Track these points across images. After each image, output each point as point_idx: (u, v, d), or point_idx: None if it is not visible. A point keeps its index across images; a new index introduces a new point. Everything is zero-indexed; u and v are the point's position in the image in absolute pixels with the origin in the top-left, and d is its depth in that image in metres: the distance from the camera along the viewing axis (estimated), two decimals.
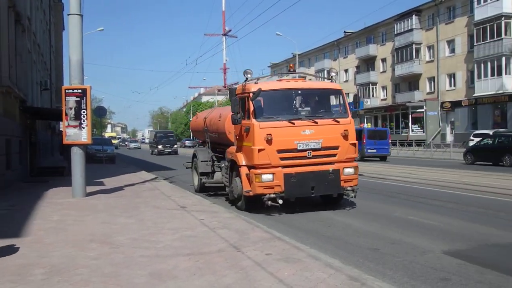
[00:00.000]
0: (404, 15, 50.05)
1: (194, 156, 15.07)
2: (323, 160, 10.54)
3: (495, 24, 38.89)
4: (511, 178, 17.30)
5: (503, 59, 38.52)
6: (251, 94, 10.42)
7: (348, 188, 10.69)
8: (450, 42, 45.31)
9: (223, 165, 12.59)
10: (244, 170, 10.58)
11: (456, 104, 44.28)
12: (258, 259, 6.36)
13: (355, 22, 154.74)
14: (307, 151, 10.38)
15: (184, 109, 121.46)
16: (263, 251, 6.79)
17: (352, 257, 6.97)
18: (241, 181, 10.70)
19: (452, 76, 45.41)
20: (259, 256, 6.49)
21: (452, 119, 45.50)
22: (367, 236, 8.36)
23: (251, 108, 10.40)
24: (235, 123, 10.80)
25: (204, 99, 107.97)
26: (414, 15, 48.75)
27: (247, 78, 10.88)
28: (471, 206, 11.31)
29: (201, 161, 14.29)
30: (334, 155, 10.59)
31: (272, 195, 10.15)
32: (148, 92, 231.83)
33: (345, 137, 10.62)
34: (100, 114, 27.80)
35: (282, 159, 10.26)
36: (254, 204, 10.76)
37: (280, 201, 10.17)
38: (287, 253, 6.68)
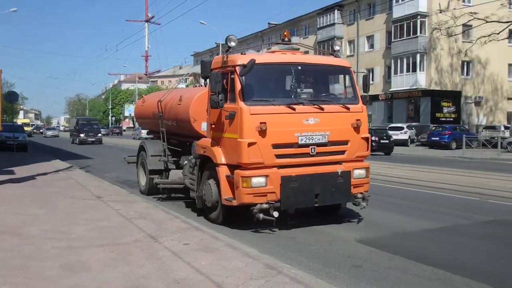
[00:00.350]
0: (327, 10, 51.16)
1: (142, 149, 12.13)
2: (329, 158, 8.24)
3: (411, 22, 40.76)
4: (428, 171, 18.39)
5: (418, 56, 40.51)
6: (238, 68, 7.80)
7: (358, 195, 8.45)
8: (370, 38, 46.96)
9: (185, 161, 10.05)
10: (223, 171, 8.02)
11: (373, 98, 45.90)
12: (175, 249, 6.30)
13: (279, 14, 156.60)
14: (311, 147, 8.00)
15: (103, 96, 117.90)
16: (181, 241, 6.73)
17: (269, 246, 7.06)
18: (218, 186, 8.15)
19: (371, 71, 47.06)
20: (176, 246, 6.44)
21: (370, 113, 47.21)
22: (285, 226, 8.49)
23: (238, 87, 7.74)
24: (215, 107, 7.91)
25: (124, 86, 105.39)
26: (336, 10, 49.94)
27: (230, 47, 8.18)
28: (396, 198, 11.69)
29: (152, 156, 11.43)
30: (343, 152, 8.31)
31: (265, 206, 7.59)
32: (64, 78, 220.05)
33: (357, 129, 8.35)
34: (11, 99, 26.08)
35: (278, 156, 7.78)
36: (235, 216, 8.27)
37: (276, 214, 7.62)
38: (205, 242, 6.67)
